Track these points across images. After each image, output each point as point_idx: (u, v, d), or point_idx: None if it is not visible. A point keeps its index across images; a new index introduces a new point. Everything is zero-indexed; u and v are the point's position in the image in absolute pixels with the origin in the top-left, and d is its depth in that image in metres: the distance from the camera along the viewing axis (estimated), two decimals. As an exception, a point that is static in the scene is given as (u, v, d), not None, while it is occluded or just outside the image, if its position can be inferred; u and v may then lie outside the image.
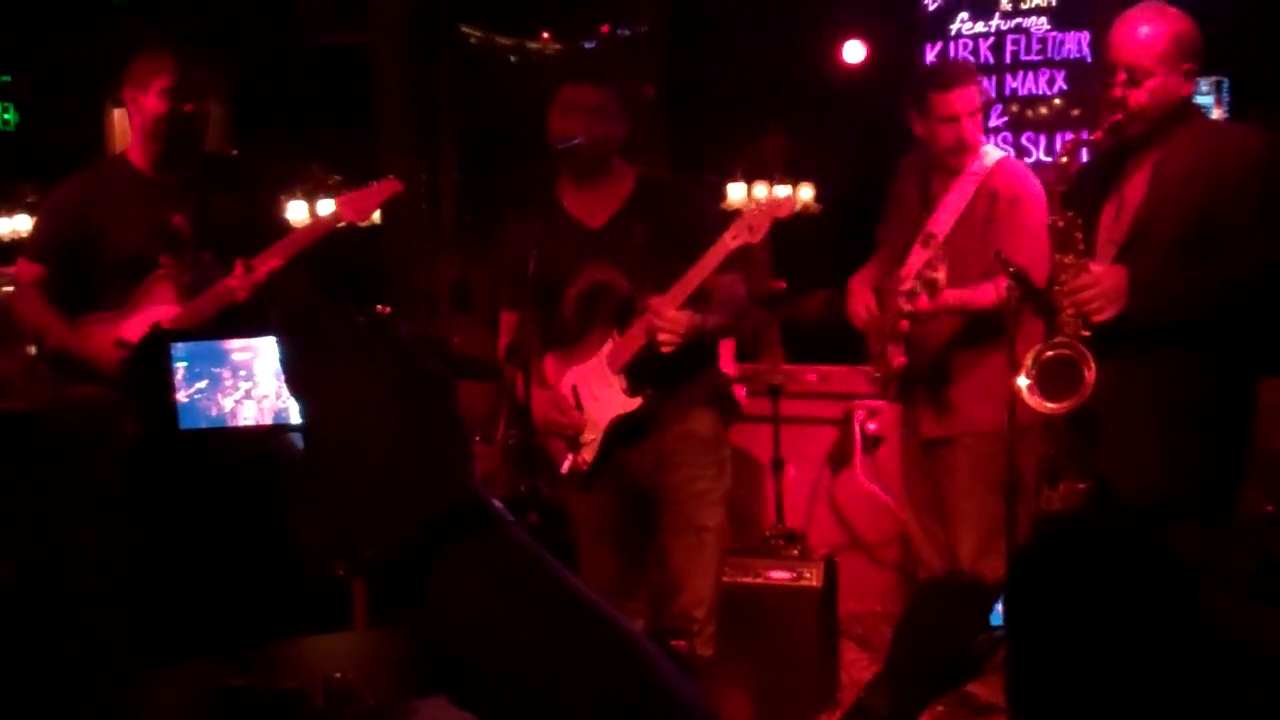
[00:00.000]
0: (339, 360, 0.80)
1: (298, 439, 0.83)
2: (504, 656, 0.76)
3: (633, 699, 0.76)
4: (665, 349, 3.43)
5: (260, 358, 0.95)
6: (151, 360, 0.95)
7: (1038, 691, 1.59)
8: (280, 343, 0.83)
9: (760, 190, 7.43)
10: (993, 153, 3.97)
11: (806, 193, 7.42)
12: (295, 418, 0.83)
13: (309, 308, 0.83)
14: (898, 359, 3.89)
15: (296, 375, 0.81)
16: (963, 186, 3.85)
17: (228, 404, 0.96)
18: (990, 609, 1.97)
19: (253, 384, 0.96)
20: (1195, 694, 1.54)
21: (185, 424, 0.96)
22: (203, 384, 0.96)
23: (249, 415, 0.96)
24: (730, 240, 3.42)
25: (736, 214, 3.54)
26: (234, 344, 0.96)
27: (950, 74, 3.92)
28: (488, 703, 0.76)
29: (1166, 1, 3.25)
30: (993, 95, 5.60)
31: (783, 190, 7.43)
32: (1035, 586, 1.62)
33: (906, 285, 3.67)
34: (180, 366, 0.96)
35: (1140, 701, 1.52)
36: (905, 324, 3.74)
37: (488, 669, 0.76)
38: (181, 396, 0.96)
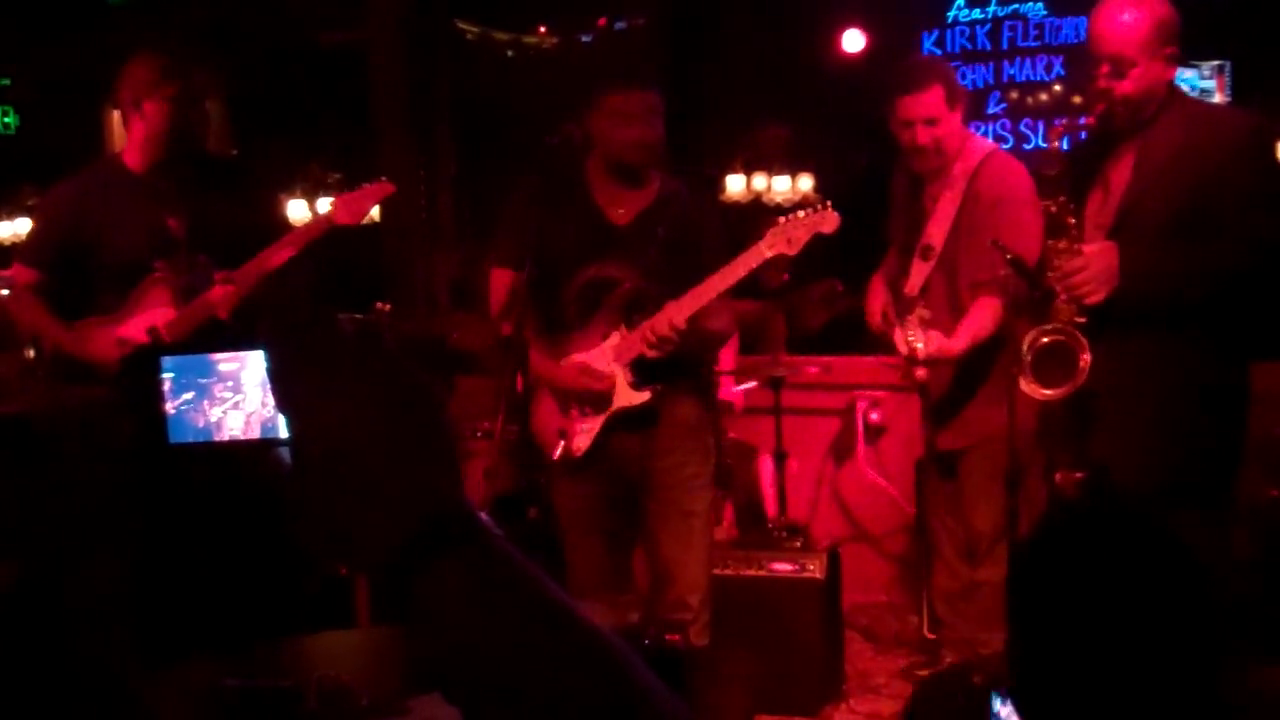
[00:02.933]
0: (325, 375, 0.81)
1: (285, 453, 0.83)
2: (486, 663, 0.77)
3: (608, 703, 0.76)
4: (651, 354, 3.43)
5: (247, 369, 0.95)
6: (142, 374, 0.94)
7: (1040, 678, 1.60)
8: (267, 357, 0.83)
9: (760, 181, 7.42)
10: (979, 150, 3.88)
11: (806, 183, 7.41)
12: (283, 431, 0.83)
13: (296, 322, 0.83)
14: (920, 372, 3.87)
15: (284, 390, 0.81)
16: (952, 193, 3.79)
17: (215, 415, 0.95)
18: (989, 709, 1.98)
19: (241, 396, 0.95)
20: (1198, 677, 1.54)
21: (174, 438, 0.96)
22: (189, 395, 0.96)
23: (235, 426, 0.95)
24: (766, 249, 3.37)
25: (773, 221, 3.46)
26: (221, 356, 0.95)
27: (904, 78, 3.81)
28: (472, 705, 0.78)
29: None
30: (991, 82, 5.59)
31: (783, 181, 7.43)
32: (1038, 571, 1.63)
33: (910, 332, 3.65)
34: (168, 378, 0.96)
35: (1143, 687, 1.52)
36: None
37: (471, 674, 0.78)
38: (169, 408, 0.95)
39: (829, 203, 3.44)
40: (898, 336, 3.68)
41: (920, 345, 3.58)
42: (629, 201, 3.56)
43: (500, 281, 3.61)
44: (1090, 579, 1.58)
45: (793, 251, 3.36)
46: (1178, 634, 1.54)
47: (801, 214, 3.41)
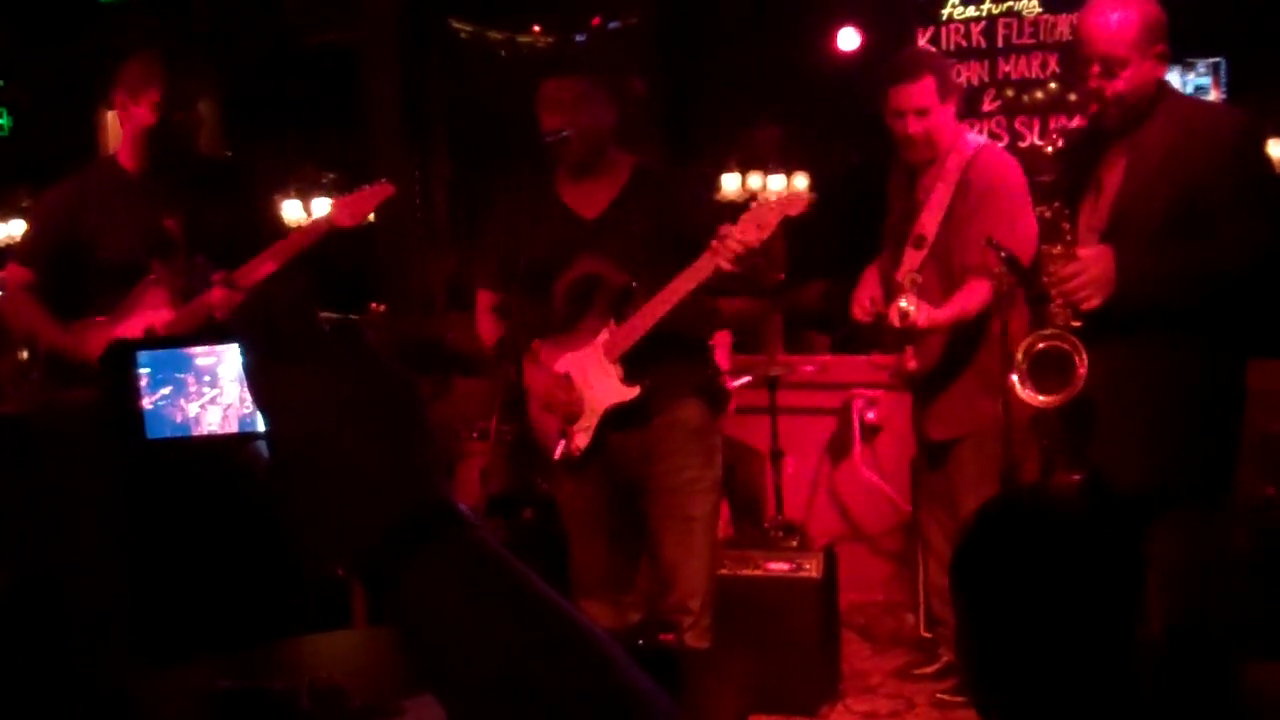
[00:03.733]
0: (301, 368, 0.79)
1: (263, 447, 0.82)
2: (469, 660, 0.76)
3: (595, 700, 0.76)
4: (728, 266, 3.26)
5: (224, 364, 0.94)
6: (116, 371, 0.93)
7: (987, 671, 1.63)
8: (243, 350, 0.82)
9: (755, 180, 7.42)
10: (973, 143, 3.95)
11: (801, 182, 7.41)
12: (260, 425, 0.83)
13: (272, 315, 0.82)
14: (910, 362, 3.90)
15: (259, 383, 0.81)
16: (945, 184, 3.85)
17: (192, 410, 0.94)
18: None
19: (218, 390, 0.94)
20: (1129, 673, 1.57)
21: (152, 433, 0.95)
22: (166, 390, 0.94)
23: (213, 421, 0.94)
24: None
25: (744, 205, 3.47)
26: (198, 350, 0.94)
27: (897, 68, 3.89)
28: (458, 702, 0.77)
29: None
30: (986, 80, 5.59)
31: (778, 180, 7.43)
32: (975, 568, 1.68)
33: (903, 298, 3.68)
34: (144, 373, 0.95)
35: (1079, 678, 1.56)
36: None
37: (455, 670, 0.77)
38: (147, 404, 0.95)
39: (781, 182, 3.47)
40: (890, 309, 3.72)
41: (913, 309, 3.62)
42: (596, 194, 3.55)
43: (484, 301, 3.68)
44: (1023, 570, 1.63)
45: (763, 235, 3.30)
46: (1111, 627, 1.59)
47: (771, 198, 3.43)
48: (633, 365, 3.49)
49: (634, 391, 3.49)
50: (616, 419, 3.53)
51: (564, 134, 3.42)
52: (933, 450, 4.04)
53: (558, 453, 3.55)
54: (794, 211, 3.37)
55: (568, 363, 3.56)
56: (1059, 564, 1.59)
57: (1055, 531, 1.64)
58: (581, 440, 3.54)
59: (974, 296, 3.74)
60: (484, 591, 0.77)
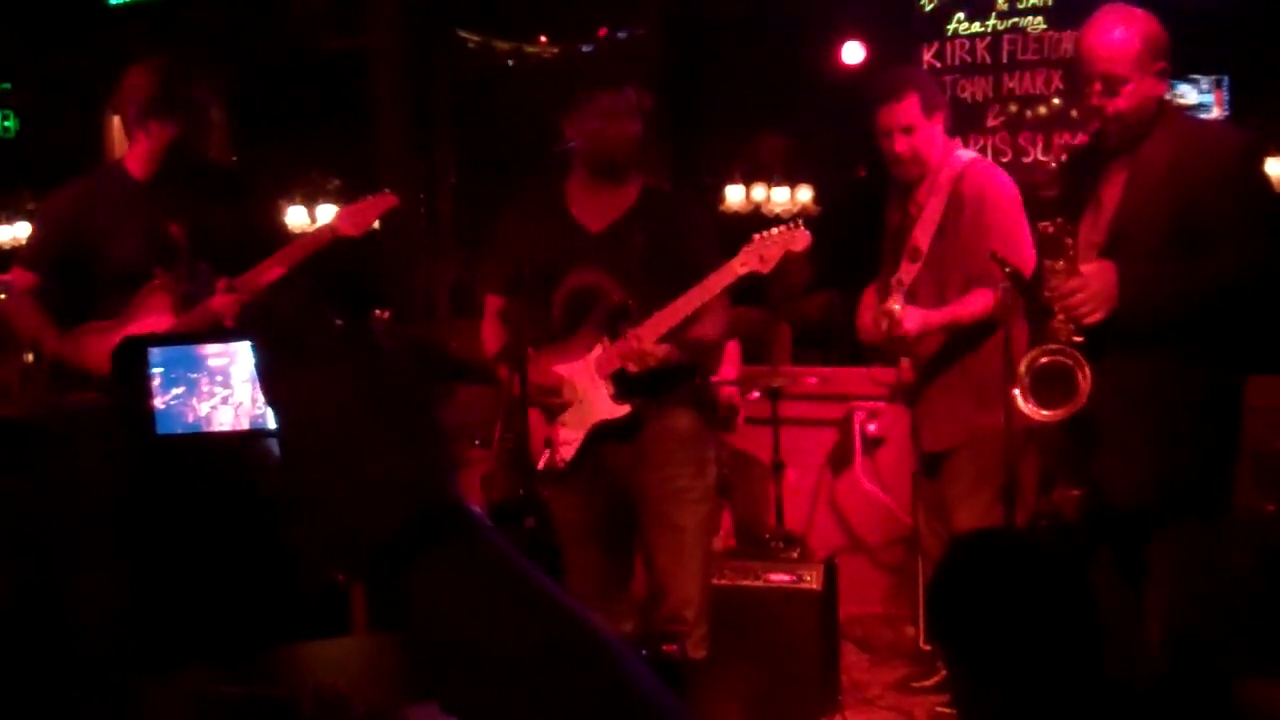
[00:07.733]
0: (313, 366, 0.79)
1: (274, 445, 0.82)
2: (479, 662, 0.76)
3: (606, 704, 0.76)
4: (631, 369, 3.46)
5: (236, 363, 0.94)
6: (129, 367, 0.94)
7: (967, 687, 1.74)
8: (255, 348, 0.82)
9: (759, 191, 7.44)
10: (964, 157, 3.99)
11: (805, 194, 7.43)
12: (271, 423, 0.83)
13: (284, 313, 0.82)
14: (907, 374, 3.91)
15: (271, 381, 0.80)
16: (937, 198, 3.88)
17: (204, 409, 0.95)
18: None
19: (229, 389, 0.95)
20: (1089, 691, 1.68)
21: (162, 430, 0.95)
22: (179, 390, 0.95)
23: (225, 420, 0.95)
24: (739, 267, 3.43)
25: (747, 239, 3.51)
26: (210, 349, 0.95)
27: (881, 88, 3.94)
28: (466, 706, 0.76)
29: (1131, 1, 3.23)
30: (990, 95, 5.60)
31: (782, 192, 7.45)
32: (947, 603, 1.79)
33: (884, 306, 3.71)
34: (157, 372, 0.95)
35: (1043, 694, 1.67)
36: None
37: (464, 674, 0.76)
38: (158, 403, 0.95)
39: (801, 221, 3.56)
40: (901, 275, 3.79)
41: (898, 309, 3.66)
42: (605, 209, 3.58)
43: (491, 306, 3.71)
44: (990, 605, 1.68)
45: (766, 269, 3.46)
46: (1069, 655, 1.64)
47: (775, 231, 3.52)
48: (624, 383, 3.50)
49: (623, 410, 3.51)
50: (604, 433, 3.53)
51: (571, 144, 3.46)
52: (929, 461, 4.05)
53: (541, 463, 3.56)
54: (797, 248, 3.45)
55: (561, 373, 3.57)
56: (1019, 607, 1.68)
57: (1014, 576, 1.73)
58: (567, 453, 3.55)
59: (972, 304, 3.76)
60: (495, 594, 0.77)
